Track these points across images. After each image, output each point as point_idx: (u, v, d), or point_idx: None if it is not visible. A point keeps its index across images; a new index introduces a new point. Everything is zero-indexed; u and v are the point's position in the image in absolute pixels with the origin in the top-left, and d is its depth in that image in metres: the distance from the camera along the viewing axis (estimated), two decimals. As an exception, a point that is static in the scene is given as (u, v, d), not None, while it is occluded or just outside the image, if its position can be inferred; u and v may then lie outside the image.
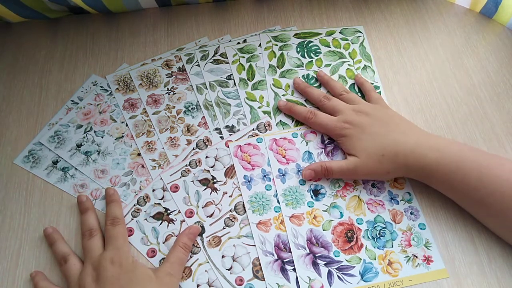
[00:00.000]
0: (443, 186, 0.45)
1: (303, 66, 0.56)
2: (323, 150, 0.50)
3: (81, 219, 0.46)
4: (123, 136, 0.51)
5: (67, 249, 0.44)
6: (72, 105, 0.53)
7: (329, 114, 0.50)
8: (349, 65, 0.57)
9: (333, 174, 0.47)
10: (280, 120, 0.52)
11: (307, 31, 0.59)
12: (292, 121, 0.52)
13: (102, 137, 0.51)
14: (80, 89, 0.54)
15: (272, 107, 0.53)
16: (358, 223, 0.46)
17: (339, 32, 0.59)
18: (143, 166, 0.49)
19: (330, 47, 0.58)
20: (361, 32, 0.59)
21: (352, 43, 0.58)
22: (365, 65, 0.57)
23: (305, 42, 0.58)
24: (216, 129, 0.52)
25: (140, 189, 0.48)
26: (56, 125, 0.52)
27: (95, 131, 0.52)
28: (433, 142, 0.44)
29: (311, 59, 0.57)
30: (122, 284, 0.39)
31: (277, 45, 0.58)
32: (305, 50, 0.58)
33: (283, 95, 0.54)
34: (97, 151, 0.50)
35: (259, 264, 0.43)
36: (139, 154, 0.50)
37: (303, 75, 0.55)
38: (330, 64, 0.57)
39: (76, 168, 0.49)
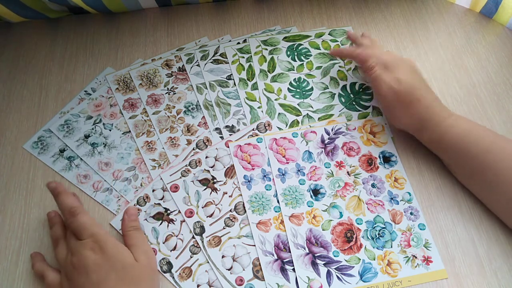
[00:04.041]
0: (454, 147, 0.44)
1: (294, 70, 0.56)
2: (323, 149, 0.50)
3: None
4: (130, 131, 0.52)
5: (59, 233, 0.43)
6: (84, 96, 0.54)
7: None
8: (340, 66, 0.56)
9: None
10: (276, 126, 0.52)
11: (296, 34, 0.59)
12: (286, 126, 0.52)
13: (110, 130, 0.52)
14: (94, 80, 0.55)
15: (265, 111, 0.53)
16: (358, 223, 0.46)
17: (328, 34, 0.59)
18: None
19: (320, 49, 0.58)
20: None
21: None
22: (356, 65, 0.56)
23: (295, 45, 0.58)
24: (216, 129, 0.52)
25: (141, 185, 0.48)
26: (67, 114, 0.52)
27: (104, 124, 0.52)
28: (446, 108, 0.46)
29: (302, 62, 0.57)
30: (106, 269, 0.38)
31: (266, 49, 0.57)
32: (295, 53, 0.57)
33: (276, 99, 0.54)
34: (103, 143, 0.51)
35: (259, 264, 0.44)
36: (142, 152, 0.51)
37: (294, 79, 0.55)
38: (321, 66, 0.56)
39: (81, 159, 0.50)
